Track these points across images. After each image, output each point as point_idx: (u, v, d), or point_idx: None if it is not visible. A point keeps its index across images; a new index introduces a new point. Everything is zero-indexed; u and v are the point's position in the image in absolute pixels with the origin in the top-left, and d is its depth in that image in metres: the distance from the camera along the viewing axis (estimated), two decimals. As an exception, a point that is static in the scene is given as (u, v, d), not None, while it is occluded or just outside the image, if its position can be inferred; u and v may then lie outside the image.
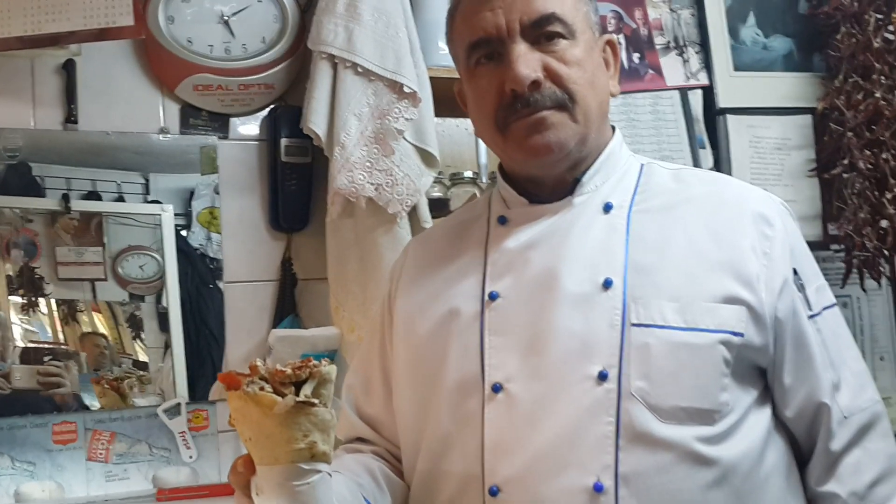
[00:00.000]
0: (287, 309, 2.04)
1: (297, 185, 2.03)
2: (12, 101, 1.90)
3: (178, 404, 1.97)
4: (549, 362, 1.10)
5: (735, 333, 1.09)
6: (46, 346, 1.95)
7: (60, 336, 1.96)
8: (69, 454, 1.89)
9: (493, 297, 1.15)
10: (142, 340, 2.03)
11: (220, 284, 2.04)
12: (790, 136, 2.32)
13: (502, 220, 1.21)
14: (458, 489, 1.13)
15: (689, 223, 1.15)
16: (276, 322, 2.03)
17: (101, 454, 1.93)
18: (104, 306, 2.01)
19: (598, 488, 1.05)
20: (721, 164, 2.25)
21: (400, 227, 1.90)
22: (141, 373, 2.00)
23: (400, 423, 1.24)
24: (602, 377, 1.07)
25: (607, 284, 1.11)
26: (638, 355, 1.08)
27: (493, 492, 1.09)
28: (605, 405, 1.07)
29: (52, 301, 1.95)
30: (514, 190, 1.22)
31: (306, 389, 0.86)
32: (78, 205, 1.98)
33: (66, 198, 1.98)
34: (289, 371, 0.86)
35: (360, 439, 1.30)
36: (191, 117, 2.03)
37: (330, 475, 0.90)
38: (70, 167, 1.98)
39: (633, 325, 1.09)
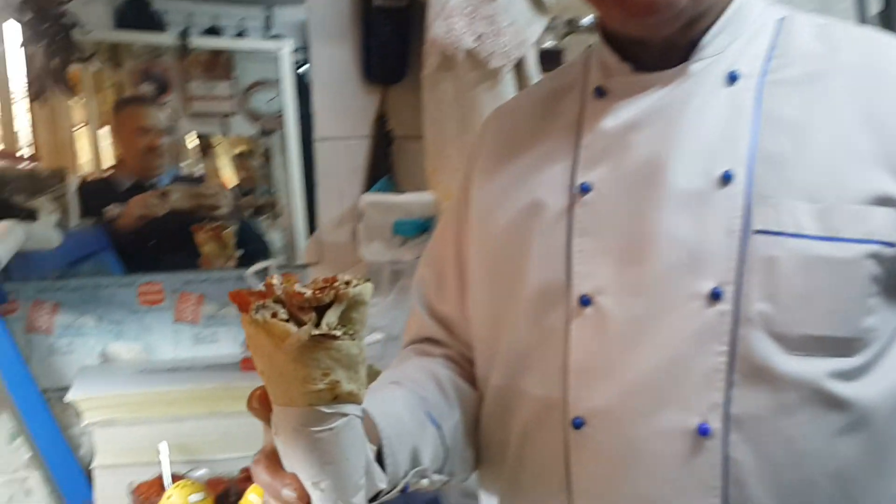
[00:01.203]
0: (381, 170, 1.88)
1: (391, 33, 1.86)
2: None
3: (267, 267, 1.88)
4: (649, 274, 0.90)
5: (888, 244, 0.86)
6: (184, 175, 2.06)
7: (197, 167, 2.06)
8: (156, 315, 1.85)
9: (584, 189, 0.95)
10: (272, 175, 2.09)
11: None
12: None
13: (600, 93, 0.98)
14: (537, 415, 0.97)
15: (837, 100, 0.90)
16: (370, 184, 1.88)
17: (189, 316, 1.86)
18: (236, 140, 2.07)
19: (703, 431, 0.86)
20: (893, 9, 1.90)
21: (504, 84, 1.69)
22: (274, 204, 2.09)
23: (473, 328, 1.07)
24: (714, 296, 0.87)
25: (726, 179, 0.88)
26: (761, 271, 0.86)
27: (577, 424, 0.92)
28: (717, 331, 0.87)
29: (188, 135, 2.05)
30: (615, 54, 0.98)
31: (329, 316, 0.70)
32: (198, 41, 2.01)
33: (185, 33, 1.99)
34: (308, 294, 0.69)
35: (431, 339, 1.14)
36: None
37: (360, 417, 0.75)
38: (190, 2, 1.98)
39: (757, 232, 0.87)
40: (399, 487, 0.91)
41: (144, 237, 1.97)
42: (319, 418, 0.71)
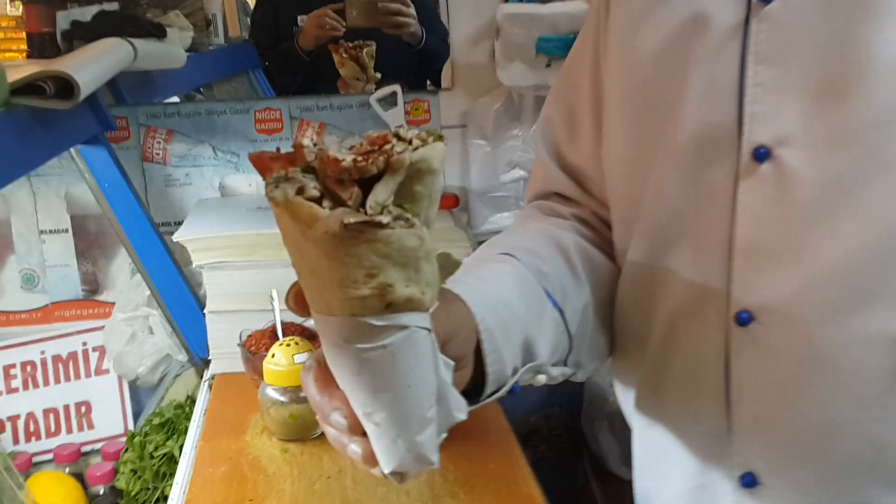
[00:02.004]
0: (524, -25, 1.60)
1: None
2: None
3: (394, 93, 1.67)
4: (856, 119, 0.63)
5: None
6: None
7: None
8: (276, 145, 1.67)
9: (765, -2, 0.67)
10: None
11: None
12: None
13: None
14: (689, 303, 0.74)
15: None
16: (510, -7, 1.60)
17: (310, 146, 1.70)
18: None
19: None
20: None
21: None
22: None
23: (609, 184, 0.84)
24: None
25: None
26: None
27: (743, 319, 0.69)
28: None
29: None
30: None
31: (379, 193, 0.48)
32: None
33: None
34: (347, 162, 0.48)
35: (559, 195, 0.91)
36: None
37: (428, 329, 0.54)
38: None
39: None
40: (507, 387, 0.72)
41: (315, 58, 1.79)
42: (366, 332, 0.51)
